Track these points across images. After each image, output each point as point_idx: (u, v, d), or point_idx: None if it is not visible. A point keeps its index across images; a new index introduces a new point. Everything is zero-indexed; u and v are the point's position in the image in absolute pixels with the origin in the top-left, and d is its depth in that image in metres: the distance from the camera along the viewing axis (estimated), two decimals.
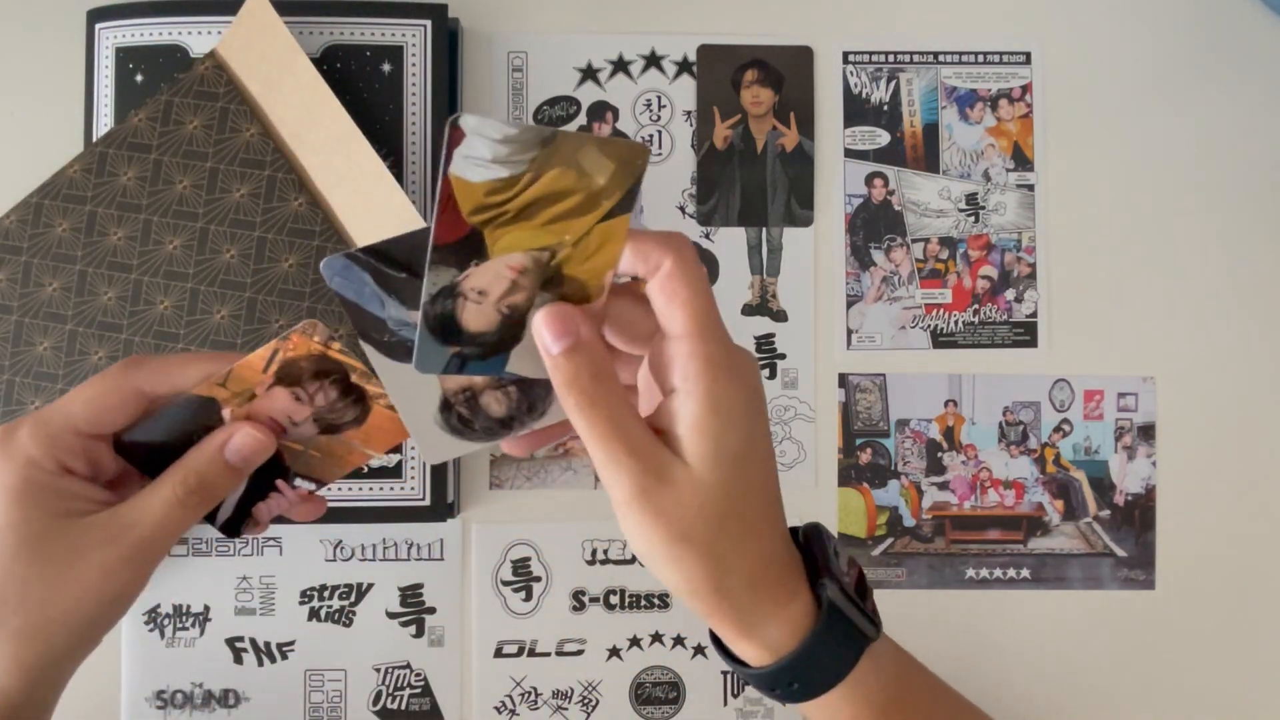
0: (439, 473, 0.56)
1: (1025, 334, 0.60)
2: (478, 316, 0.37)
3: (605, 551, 0.59)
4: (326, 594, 0.58)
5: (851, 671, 0.39)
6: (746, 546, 0.37)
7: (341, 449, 0.43)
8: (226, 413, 0.42)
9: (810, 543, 0.40)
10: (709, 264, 0.60)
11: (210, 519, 0.43)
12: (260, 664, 0.58)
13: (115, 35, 0.57)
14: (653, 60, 0.60)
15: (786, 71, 0.60)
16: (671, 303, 0.36)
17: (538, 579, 0.59)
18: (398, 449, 0.56)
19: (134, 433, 0.42)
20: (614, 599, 0.59)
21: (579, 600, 0.59)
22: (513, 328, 0.37)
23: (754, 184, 0.60)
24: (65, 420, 0.40)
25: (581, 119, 0.60)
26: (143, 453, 0.42)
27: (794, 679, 0.38)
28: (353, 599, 0.58)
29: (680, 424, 0.36)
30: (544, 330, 0.36)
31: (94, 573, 0.39)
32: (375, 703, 0.58)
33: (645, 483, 0.36)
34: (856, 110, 0.61)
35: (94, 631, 0.41)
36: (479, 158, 0.34)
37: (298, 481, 0.44)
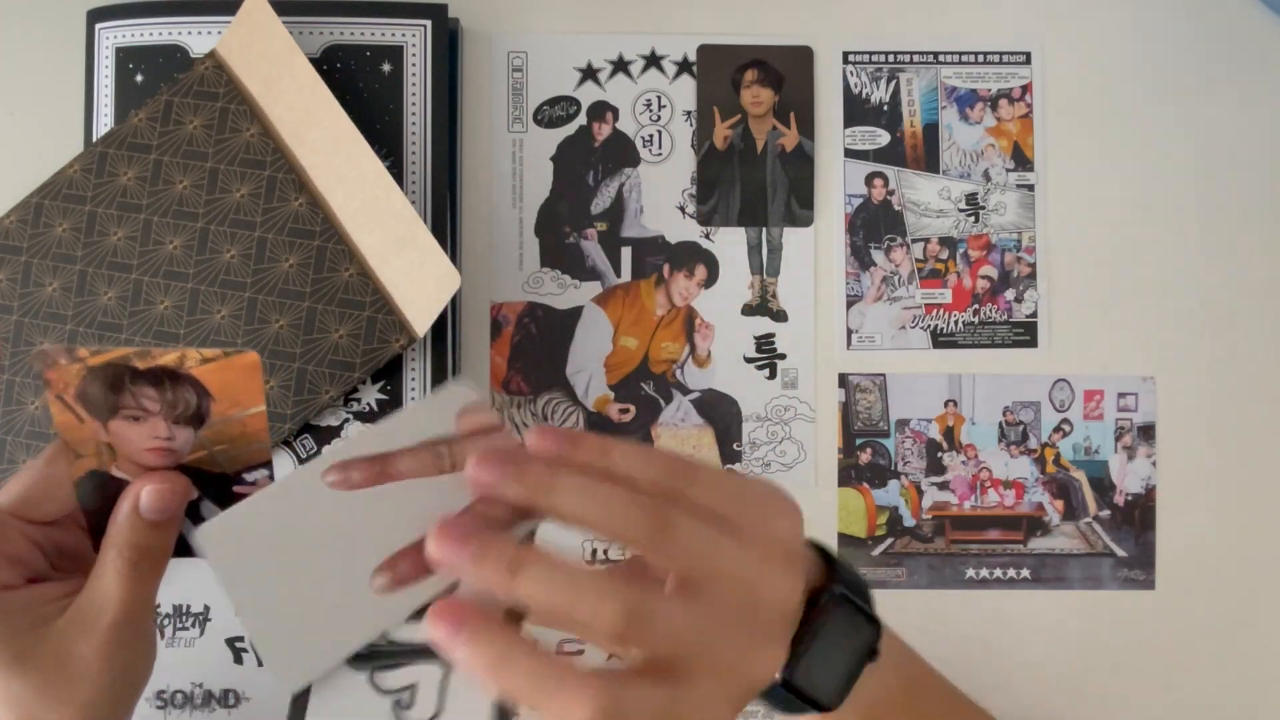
0: None
1: (1025, 334, 0.60)
2: None
3: (605, 551, 0.59)
4: None
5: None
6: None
7: (233, 427, 0.42)
8: (115, 471, 0.41)
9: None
10: (709, 264, 0.60)
11: None
12: (260, 664, 0.57)
13: (115, 35, 0.57)
14: (653, 60, 0.60)
15: (786, 71, 0.60)
16: None
17: None
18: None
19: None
20: None
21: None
22: None
23: (754, 184, 0.60)
24: (3, 518, 0.41)
25: (581, 119, 0.60)
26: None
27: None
28: None
29: None
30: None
31: (91, 664, 0.40)
32: None
33: None
34: (856, 110, 0.61)
35: (120, 712, 0.41)
36: None
37: (246, 477, 0.43)
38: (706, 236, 0.60)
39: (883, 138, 0.61)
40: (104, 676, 0.40)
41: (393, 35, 0.56)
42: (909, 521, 0.60)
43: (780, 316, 0.60)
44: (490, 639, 0.34)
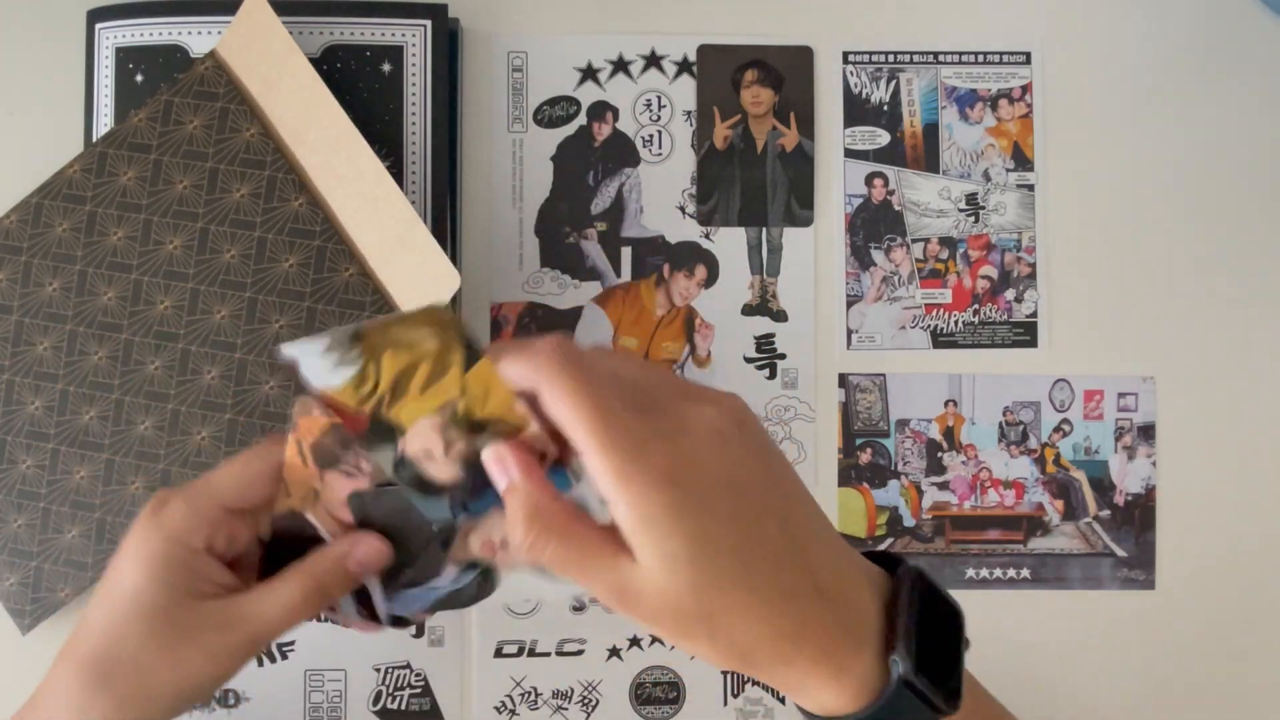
0: None
1: (1025, 334, 0.60)
2: (441, 470, 0.40)
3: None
4: None
5: None
6: (754, 632, 0.35)
7: None
8: (310, 516, 0.43)
9: (898, 594, 0.37)
10: (709, 264, 0.60)
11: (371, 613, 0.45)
12: (260, 664, 0.58)
13: (115, 35, 0.57)
14: (653, 60, 0.60)
15: (786, 71, 0.60)
16: (562, 427, 0.36)
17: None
18: None
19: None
20: None
21: (579, 600, 0.59)
22: (478, 470, 0.39)
23: (754, 184, 0.60)
24: (214, 495, 0.42)
25: (581, 119, 0.60)
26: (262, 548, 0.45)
27: None
28: None
29: (625, 539, 0.35)
30: (491, 471, 0.38)
31: (199, 656, 0.40)
32: (375, 703, 0.58)
33: (614, 595, 0.35)
34: (856, 110, 0.61)
35: (183, 708, 0.41)
36: (324, 370, 0.39)
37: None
38: (706, 236, 0.60)
39: (883, 138, 0.61)
40: (204, 671, 0.40)
41: (393, 35, 0.56)
42: (909, 521, 0.60)
43: (780, 316, 0.60)
44: (527, 489, 0.37)
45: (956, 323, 0.60)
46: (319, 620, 0.45)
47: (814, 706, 0.37)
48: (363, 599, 0.44)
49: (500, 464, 0.38)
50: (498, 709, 0.58)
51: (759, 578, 0.35)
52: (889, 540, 0.60)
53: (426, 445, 0.40)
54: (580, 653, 0.59)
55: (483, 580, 0.43)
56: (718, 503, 0.35)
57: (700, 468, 0.35)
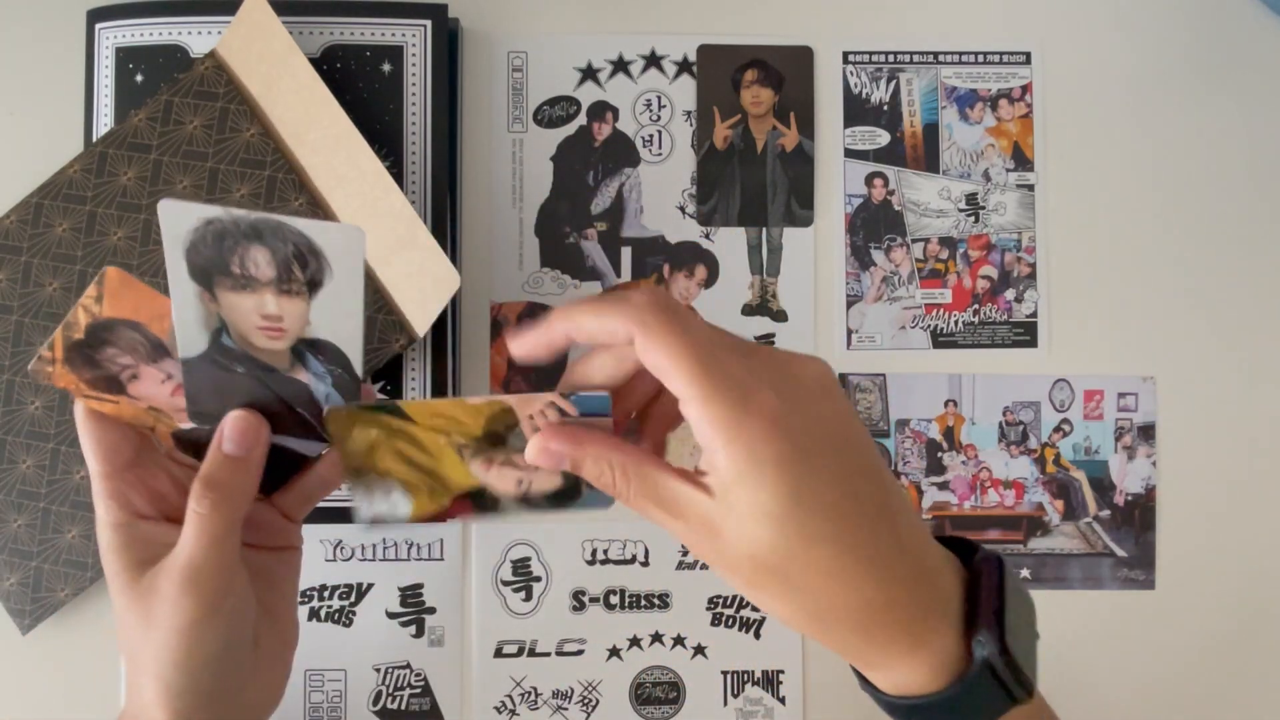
0: None
1: (1025, 334, 0.60)
2: (501, 483, 0.41)
3: (605, 551, 0.59)
4: (326, 594, 0.58)
5: None
6: (833, 595, 0.34)
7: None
8: (181, 426, 0.43)
9: (981, 577, 0.36)
10: (709, 264, 0.60)
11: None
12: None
13: (115, 35, 0.57)
14: (653, 60, 0.60)
15: (786, 71, 0.60)
16: (661, 374, 0.35)
17: (538, 579, 0.59)
18: None
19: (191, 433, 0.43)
20: (614, 599, 0.59)
21: (579, 600, 0.59)
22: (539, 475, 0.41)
23: (754, 184, 0.60)
24: (96, 473, 0.42)
25: (581, 119, 0.60)
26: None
27: (914, 717, 0.36)
28: (352, 599, 0.58)
29: (719, 488, 0.34)
30: (541, 461, 0.37)
31: (165, 607, 0.40)
32: (375, 703, 0.58)
33: (694, 539, 0.35)
34: (856, 110, 0.61)
35: (211, 669, 0.41)
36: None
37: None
38: (706, 236, 0.60)
39: (883, 138, 0.61)
40: (175, 622, 0.40)
41: (393, 35, 0.56)
42: None
43: (780, 316, 0.60)
44: (591, 452, 0.37)
45: (956, 323, 0.60)
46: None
47: (885, 683, 0.36)
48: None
49: (548, 456, 0.37)
50: (498, 709, 0.58)
51: (851, 539, 0.34)
52: None
53: (500, 484, 0.41)
54: (580, 653, 0.59)
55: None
56: (820, 458, 0.34)
57: (806, 420, 0.34)
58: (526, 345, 0.38)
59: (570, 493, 0.41)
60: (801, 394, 0.35)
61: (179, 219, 0.37)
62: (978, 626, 0.35)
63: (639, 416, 0.40)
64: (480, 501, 0.42)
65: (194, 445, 0.43)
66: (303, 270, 0.38)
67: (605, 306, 0.35)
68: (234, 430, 0.41)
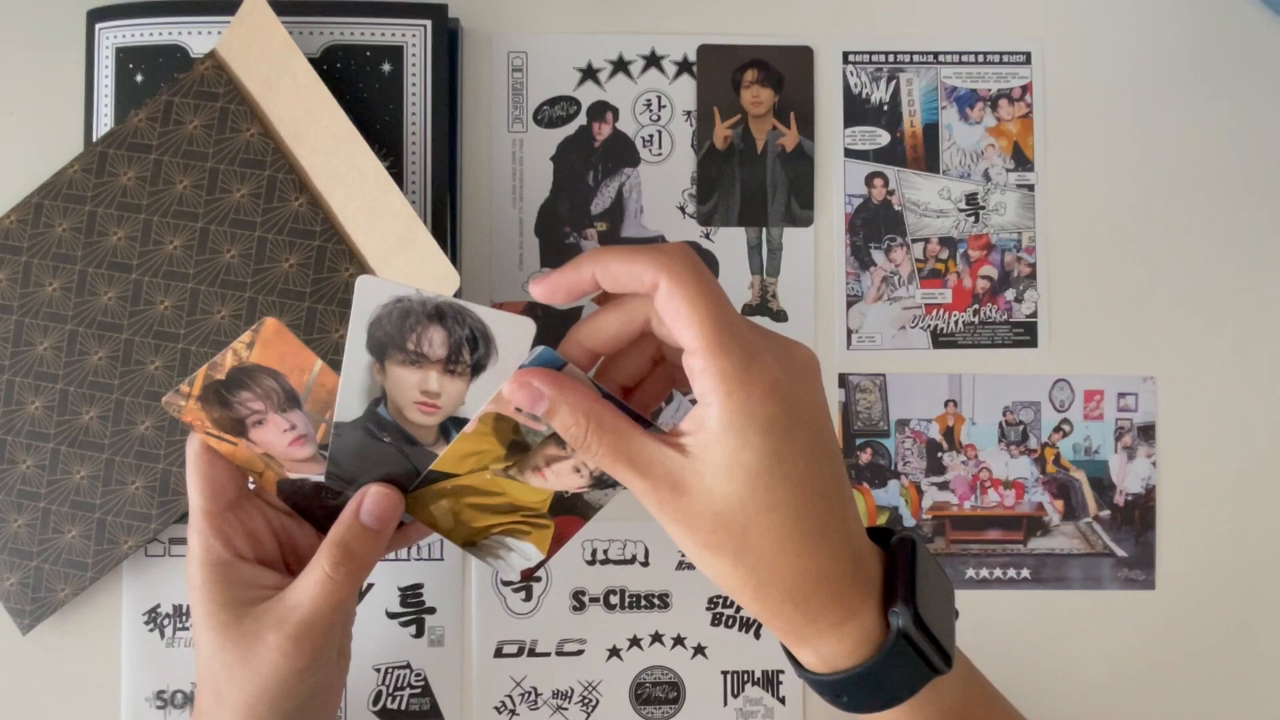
0: None
1: (1025, 334, 0.60)
2: (564, 480, 0.43)
3: (605, 551, 0.59)
4: None
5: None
6: (780, 562, 0.36)
7: (319, 394, 0.44)
8: (291, 476, 0.46)
9: (896, 557, 0.39)
10: (709, 264, 0.60)
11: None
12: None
13: (115, 35, 0.57)
14: (653, 60, 0.60)
15: (786, 71, 0.60)
16: (676, 323, 0.36)
17: (538, 579, 0.59)
18: None
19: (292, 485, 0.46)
20: (614, 599, 0.59)
21: (579, 600, 0.59)
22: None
23: (754, 184, 0.60)
24: (198, 510, 0.44)
25: (581, 119, 0.60)
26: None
27: (845, 694, 0.38)
28: None
29: (701, 436, 0.36)
30: (519, 397, 0.38)
31: (272, 655, 0.42)
32: (375, 703, 0.58)
33: (657, 498, 0.36)
34: (856, 110, 0.61)
35: (289, 701, 0.43)
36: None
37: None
38: (706, 236, 0.60)
39: (883, 138, 0.61)
40: (281, 671, 0.42)
41: (393, 35, 0.56)
42: (909, 521, 0.60)
43: (780, 316, 0.60)
44: (572, 404, 0.38)
45: (956, 323, 0.60)
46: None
47: (815, 660, 0.38)
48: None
49: (528, 391, 0.38)
50: (498, 709, 0.58)
51: (808, 510, 0.36)
52: None
53: (564, 481, 0.42)
54: (580, 653, 0.59)
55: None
56: (801, 431, 0.36)
57: (798, 394, 0.36)
58: (550, 285, 0.39)
59: None
60: (800, 370, 0.37)
61: (372, 295, 0.39)
62: (894, 600, 0.37)
63: (625, 395, 0.42)
64: (573, 507, 0.43)
65: (294, 496, 0.46)
66: (471, 353, 0.39)
67: (635, 252, 0.37)
68: (376, 505, 0.43)
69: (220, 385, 0.43)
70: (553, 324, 0.59)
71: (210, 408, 0.43)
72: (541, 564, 0.45)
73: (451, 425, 0.41)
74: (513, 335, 0.39)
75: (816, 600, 0.37)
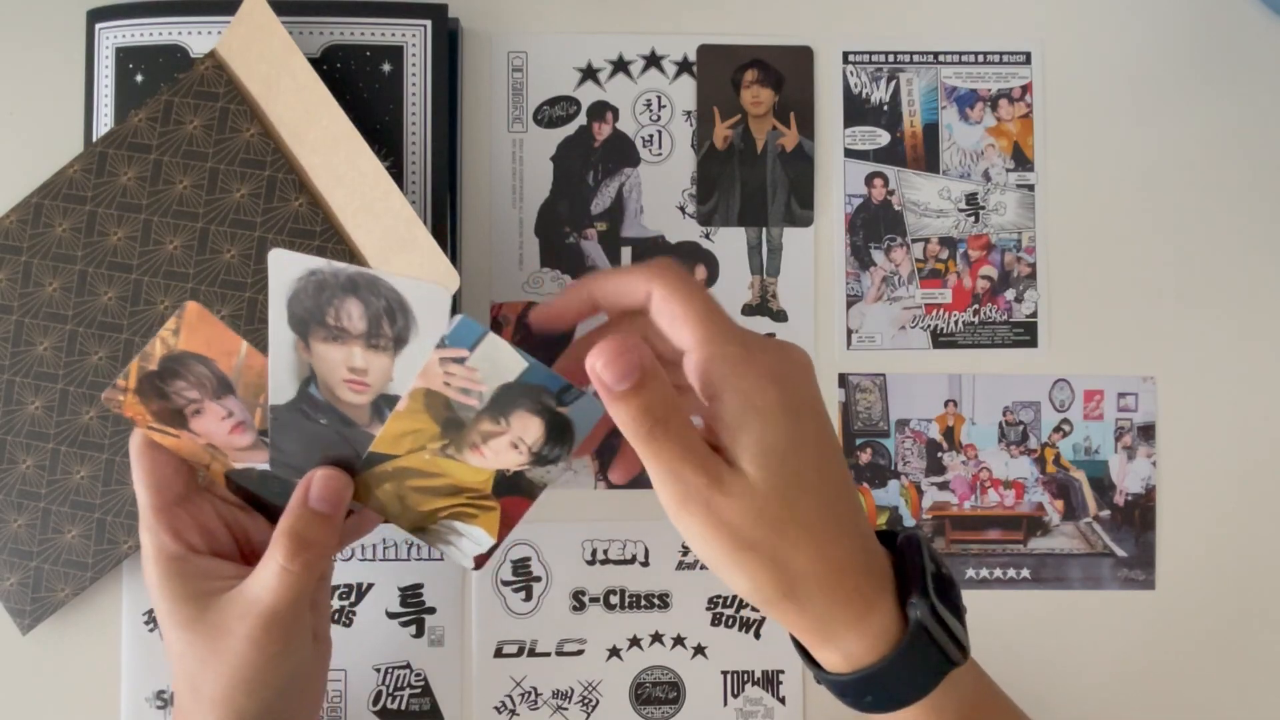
0: None
1: (1025, 334, 0.60)
2: (503, 457, 0.42)
3: (605, 551, 0.59)
4: None
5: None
6: (812, 552, 0.36)
7: (250, 375, 0.43)
8: (238, 465, 0.45)
9: (906, 553, 0.39)
10: (709, 264, 0.60)
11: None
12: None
13: (115, 35, 0.57)
14: (653, 60, 0.60)
15: (786, 71, 0.60)
16: (674, 324, 0.37)
17: (538, 579, 0.59)
18: None
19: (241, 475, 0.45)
20: (614, 599, 0.59)
21: (579, 600, 0.59)
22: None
23: (754, 184, 0.60)
24: (146, 506, 0.43)
25: (581, 119, 0.60)
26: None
27: (869, 692, 0.38)
28: (352, 599, 0.58)
29: (723, 431, 0.36)
30: (605, 374, 0.35)
31: (242, 645, 0.42)
32: (375, 703, 0.58)
33: (707, 495, 0.36)
34: (856, 110, 0.61)
35: (267, 692, 0.43)
36: None
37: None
38: (706, 236, 0.60)
39: (883, 138, 0.61)
40: (254, 659, 0.41)
41: (393, 35, 0.56)
42: (909, 521, 0.60)
43: (780, 316, 0.60)
44: (657, 384, 0.37)
45: (956, 323, 0.60)
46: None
47: (836, 658, 0.38)
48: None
49: (632, 365, 0.35)
50: (498, 709, 0.58)
51: (829, 495, 0.36)
52: None
53: (504, 459, 0.42)
54: (580, 653, 0.59)
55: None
56: (807, 420, 0.36)
57: (797, 382, 0.37)
58: (549, 313, 0.40)
59: (561, 427, 0.41)
60: (794, 362, 0.38)
61: (286, 268, 0.38)
62: (910, 592, 0.37)
63: None
64: (517, 487, 0.42)
65: (244, 489, 0.45)
66: (391, 326, 0.39)
67: (626, 270, 0.38)
68: (324, 489, 0.42)
69: (154, 376, 0.42)
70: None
71: (148, 400, 0.43)
72: (493, 549, 0.44)
73: (384, 404, 0.41)
74: (429, 304, 0.38)
75: (842, 592, 0.37)
